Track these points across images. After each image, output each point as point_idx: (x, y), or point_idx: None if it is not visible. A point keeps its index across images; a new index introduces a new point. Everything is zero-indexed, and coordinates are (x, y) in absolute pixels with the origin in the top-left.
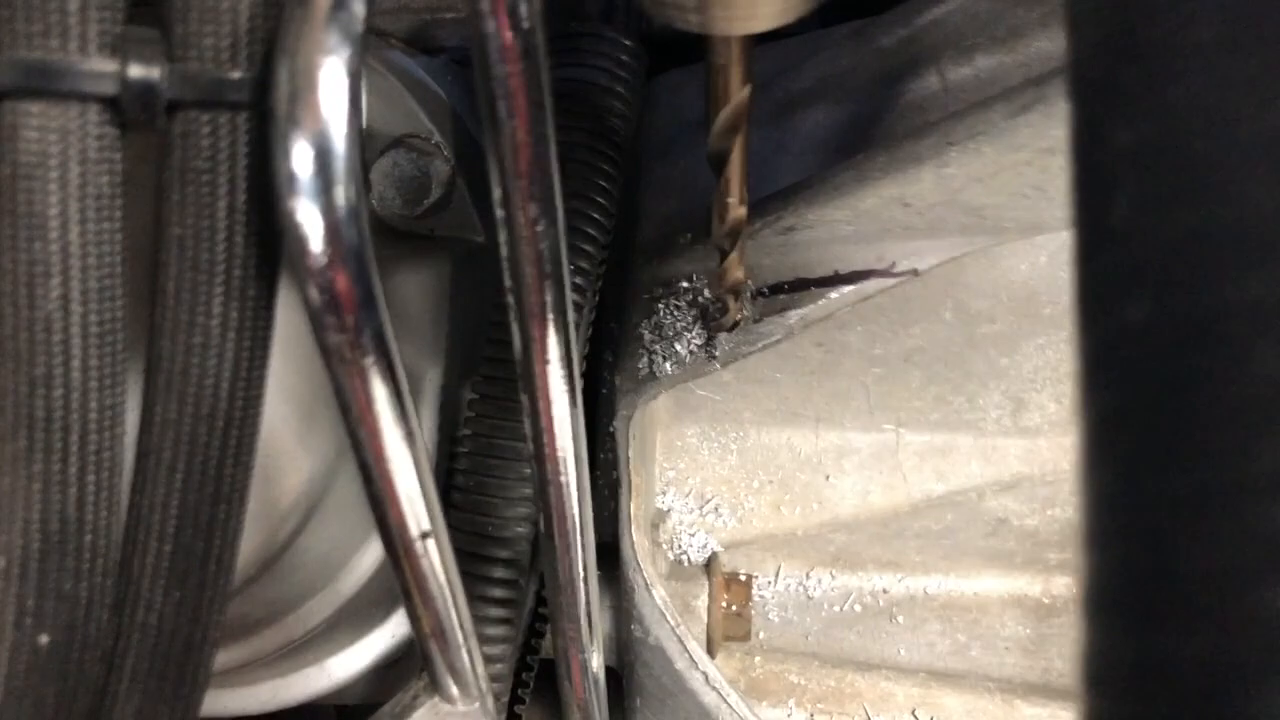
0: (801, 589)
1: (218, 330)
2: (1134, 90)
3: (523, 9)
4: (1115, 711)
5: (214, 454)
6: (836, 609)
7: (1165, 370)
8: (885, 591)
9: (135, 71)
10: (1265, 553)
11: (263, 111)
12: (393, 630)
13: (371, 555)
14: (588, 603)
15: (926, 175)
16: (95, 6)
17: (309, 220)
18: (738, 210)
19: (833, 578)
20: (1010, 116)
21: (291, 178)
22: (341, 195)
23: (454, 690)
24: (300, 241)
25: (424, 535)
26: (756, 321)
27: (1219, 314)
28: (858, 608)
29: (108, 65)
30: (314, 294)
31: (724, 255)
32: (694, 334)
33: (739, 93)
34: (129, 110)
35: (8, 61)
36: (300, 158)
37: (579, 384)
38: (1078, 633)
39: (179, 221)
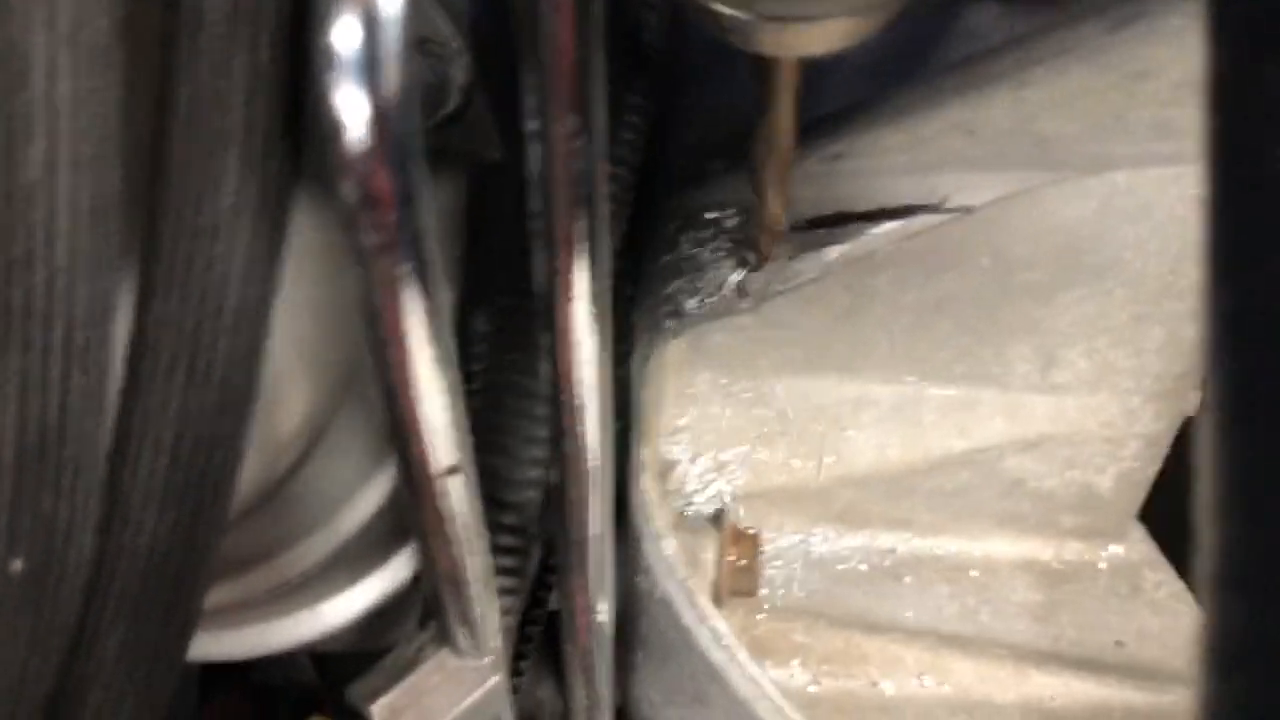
0: (807, 546)
1: (229, 211)
2: None
3: None
4: (1244, 692)
5: (219, 356)
6: (842, 567)
7: None
8: (893, 551)
9: None
10: None
11: None
12: (392, 575)
13: (374, 495)
14: (601, 556)
15: (1002, 97)
16: None
17: (350, 102)
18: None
19: (838, 535)
20: (1104, 34)
21: (329, 51)
22: (392, 75)
23: (464, 642)
24: (336, 126)
25: (451, 470)
26: (792, 258)
27: None
28: (864, 566)
29: None
30: (349, 187)
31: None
32: (722, 269)
33: (785, 136)
34: None
35: None
36: (345, 26)
37: (609, 324)
38: (1202, 610)
39: (189, 80)
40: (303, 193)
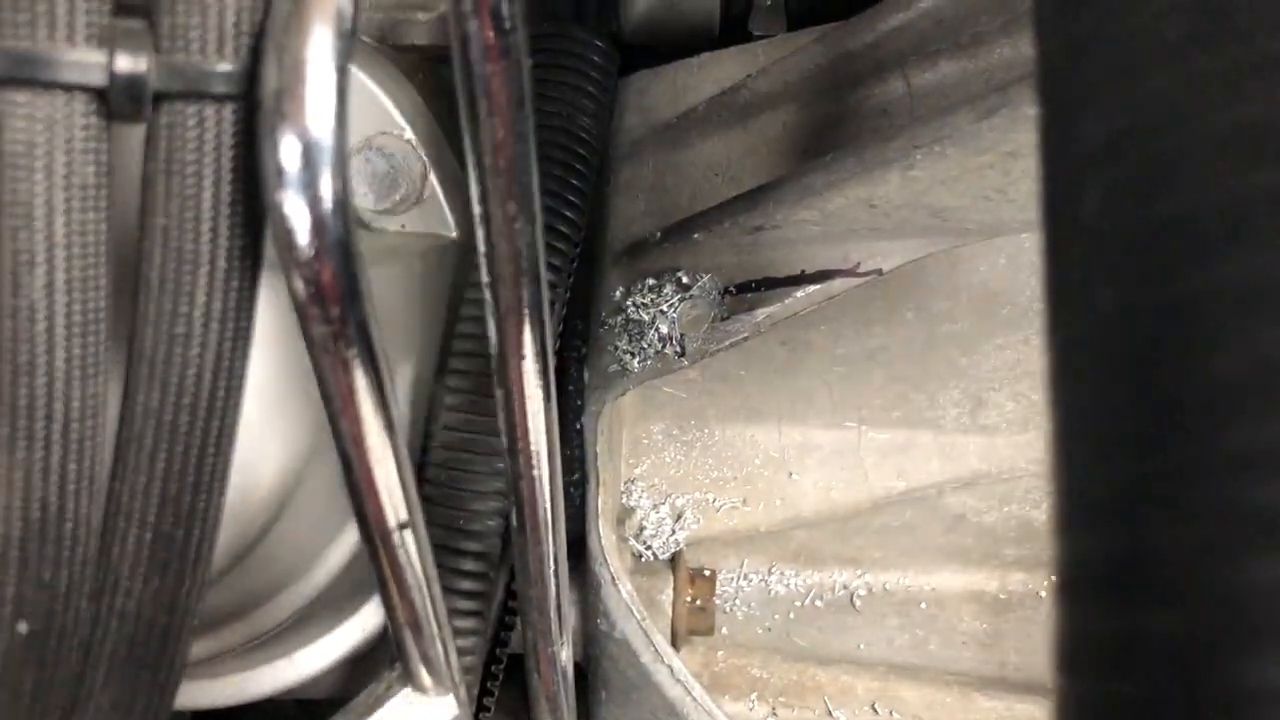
0: (764, 584)
1: (200, 320)
2: (1104, 86)
3: (504, 9)
4: (1091, 691)
5: (195, 443)
6: (798, 604)
7: (1137, 355)
8: (846, 587)
9: (122, 63)
10: (1236, 529)
11: (249, 103)
12: (362, 624)
13: (342, 549)
14: (558, 596)
15: (893, 177)
16: None
17: (296, 213)
18: None
19: (795, 573)
20: (975, 121)
21: (279, 170)
22: (328, 188)
23: (427, 680)
24: (287, 234)
25: (401, 526)
26: (724, 320)
27: (1189, 299)
28: (819, 603)
29: (95, 56)
30: (300, 285)
31: None
32: (662, 331)
33: None
34: (116, 101)
35: None
36: (288, 151)
37: (553, 379)
38: (1052, 617)
39: (164, 212)
40: (274, 282)
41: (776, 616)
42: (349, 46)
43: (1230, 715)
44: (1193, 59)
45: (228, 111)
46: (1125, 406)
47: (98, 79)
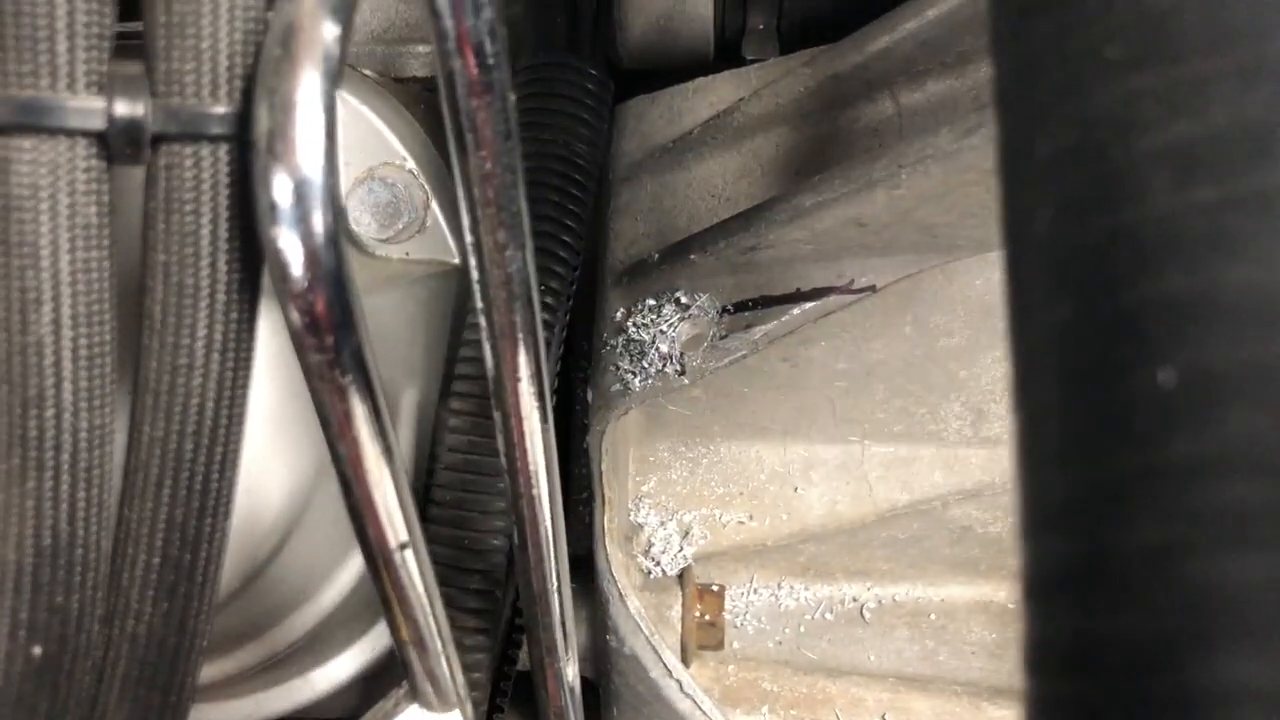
0: (774, 598)
1: (202, 351)
2: (1052, 105)
3: (488, 46)
4: (1054, 692)
5: (199, 469)
6: (808, 617)
7: (1089, 365)
8: (855, 600)
9: (121, 108)
10: (1186, 531)
11: (244, 143)
12: (374, 643)
13: (352, 569)
14: (562, 614)
15: (879, 196)
16: (83, 47)
17: (289, 247)
18: None
19: (804, 587)
20: (956, 140)
21: (272, 207)
22: (320, 222)
23: (433, 697)
24: (281, 267)
25: (402, 546)
26: (723, 338)
27: (1133, 311)
28: (829, 616)
29: (95, 102)
30: (295, 316)
31: None
32: (662, 350)
33: None
34: (116, 144)
35: (0, 99)
36: (280, 188)
37: (550, 401)
38: (1020, 622)
39: (164, 249)
40: (272, 316)
41: (786, 630)
42: (336, 87)
43: (1186, 715)
44: (1130, 79)
45: (223, 152)
46: (1080, 414)
47: (98, 124)
